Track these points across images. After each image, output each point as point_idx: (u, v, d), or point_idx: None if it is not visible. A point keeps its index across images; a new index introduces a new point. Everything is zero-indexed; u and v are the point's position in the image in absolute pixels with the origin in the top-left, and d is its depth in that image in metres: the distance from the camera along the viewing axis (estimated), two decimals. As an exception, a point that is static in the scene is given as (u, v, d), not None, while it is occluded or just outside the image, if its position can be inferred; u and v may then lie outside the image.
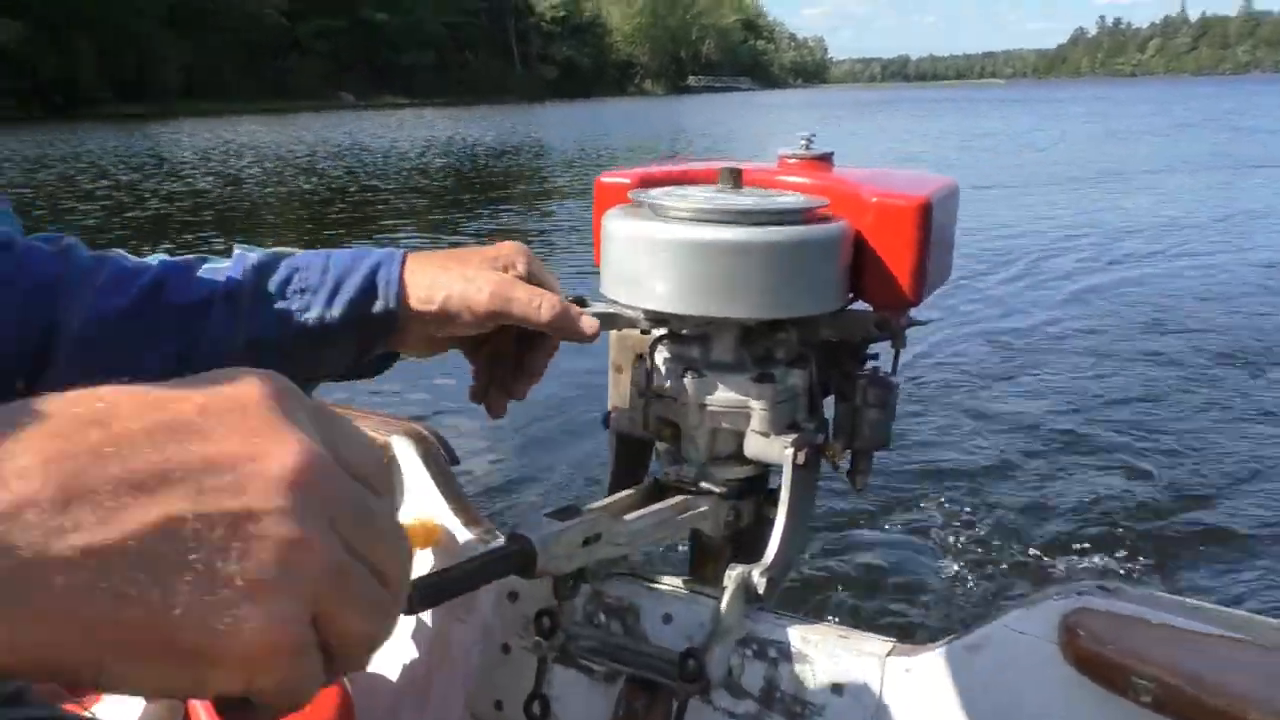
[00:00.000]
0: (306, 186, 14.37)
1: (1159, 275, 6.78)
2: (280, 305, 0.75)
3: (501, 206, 11.28)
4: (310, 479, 0.31)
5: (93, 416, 0.30)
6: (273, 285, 0.76)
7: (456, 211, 11.18)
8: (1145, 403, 4.09)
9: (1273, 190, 11.25)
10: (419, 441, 1.20)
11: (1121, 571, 2.69)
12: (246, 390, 0.33)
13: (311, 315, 0.76)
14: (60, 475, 0.28)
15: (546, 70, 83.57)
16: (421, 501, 1.17)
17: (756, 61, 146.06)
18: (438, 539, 1.11)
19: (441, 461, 1.20)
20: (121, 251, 0.77)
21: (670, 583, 0.97)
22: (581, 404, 3.52)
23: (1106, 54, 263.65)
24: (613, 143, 22.44)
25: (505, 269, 0.80)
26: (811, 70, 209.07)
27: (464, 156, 19.15)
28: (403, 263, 0.79)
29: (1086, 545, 2.83)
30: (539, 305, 0.77)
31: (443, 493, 1.16)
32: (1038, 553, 2.76)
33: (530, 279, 0.81)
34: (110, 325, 0.71)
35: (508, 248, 0.82)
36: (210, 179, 15.64)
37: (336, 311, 0.76)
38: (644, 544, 0.92)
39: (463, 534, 1.12)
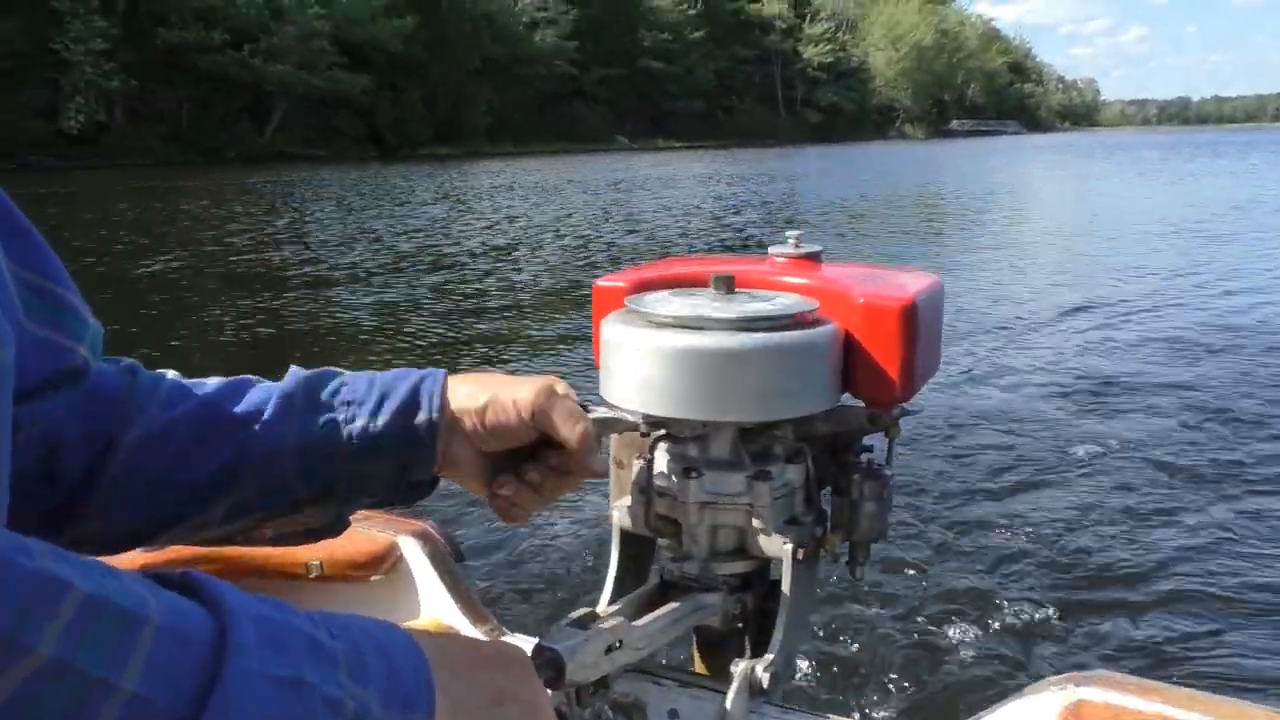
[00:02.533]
0: (589, 217, 15.05)
1: None
2: (328, 415, 0.75)
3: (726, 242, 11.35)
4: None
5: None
6: (323, 395, 0.76)
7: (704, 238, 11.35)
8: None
9: None
10: (426, 541, 1.20)
11: (1122, 654, 2.54)
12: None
13: (357, 426, 0.75)
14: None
15: (810, 115, 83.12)
16: (430, 601, 1.16)
17: (1023, 104, 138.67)
18: None
19: (448, 560, 1.20)
20: (176, 372, 0.79)
21: (675, 677, 0.95)
22: (583, 499, 3.43)
23: None
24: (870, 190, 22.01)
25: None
26: (1081, 113, 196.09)
27: (724, 197, 19.37)
28: (445, 379, 0.79)
29: (1087, 624, 2.69)
30: (576, 421, 0.77)
31: (450, 592, 1.16)
32: (1038, 634, 2.63)
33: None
34: (165, 435, 0.72)
35: (547, 377, 0.81)
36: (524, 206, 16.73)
37: (381, 422, 0.75)
38: (659, 645, 0.91)
39: (471, 633, 1.12)
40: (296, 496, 0.75)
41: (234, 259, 11.65)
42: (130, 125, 40.85)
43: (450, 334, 7.27)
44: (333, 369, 0.80)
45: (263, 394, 0.76)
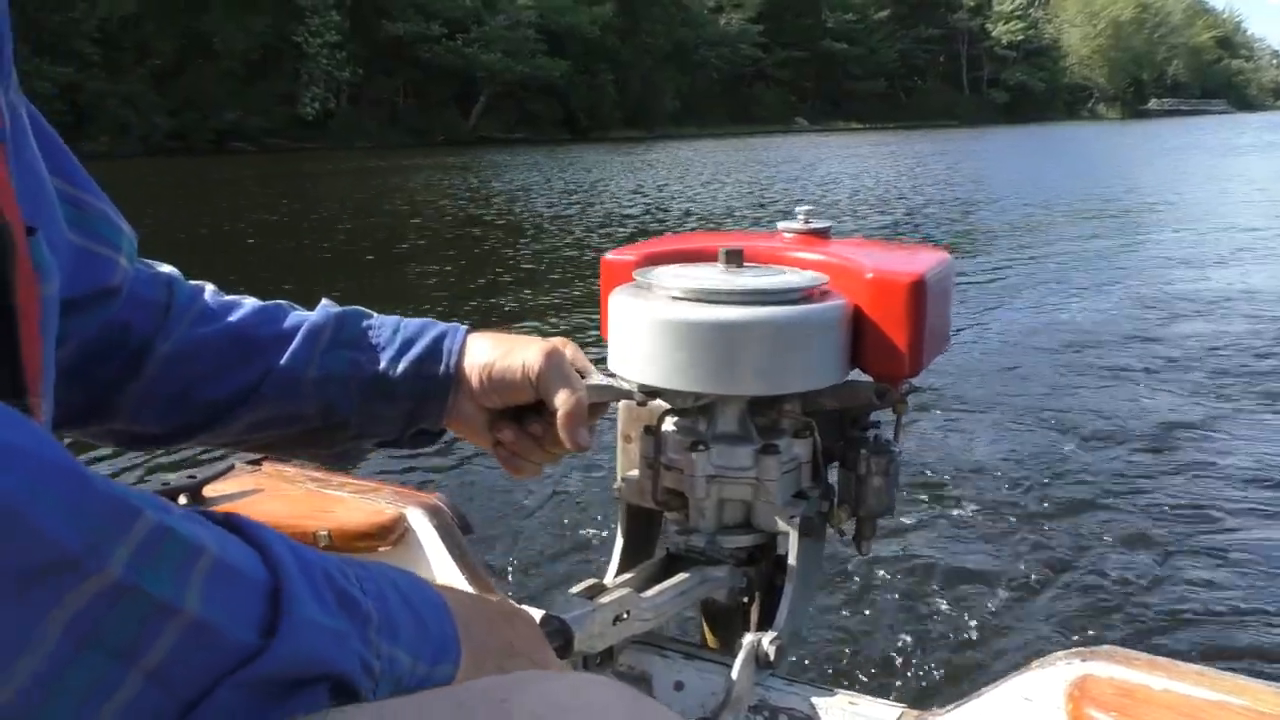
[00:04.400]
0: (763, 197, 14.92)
1: None
2: (352, 353, 0.76)
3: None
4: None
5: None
6: (348, 334, 0.77)
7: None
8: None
9: None
10: (434, 513, 1.17)
11: (1130, 629, 2.41)
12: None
13: (378, 368, 0.76)
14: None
15: (996, 95, 78.64)
16: (437, 573, 1.13)
17: (1230, 82, 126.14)
18: None
19: (456, 533, 1.16)
20: (214, 287, 0.79)
21: (681, 649, 0.94)
22: (592, 472, 3.33)
23: None
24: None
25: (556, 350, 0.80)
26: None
27: (903, 181, 18.67)
28: (465, 336, 0.79)
29: (1095, 599, 2.55)
30: (571, 392, 0.77)
31: (458, 564, 1.12)
32: (1045, 609, 2.50)
33: (574, 365, 0.81)
34: (196, 352, 0.73)
35: (559, 339, 0.82)
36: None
37: (400, 368, 0.76)
38: (666, 617, 0.90)
39: None
40: (311, 425, 0.77)
41: (438, 226, 12.31)
42: (353, 111, 43.35)
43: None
44: (362, 309, 0.81)
45: (293, 323, 0.77)
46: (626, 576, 0.93)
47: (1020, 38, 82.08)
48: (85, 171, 0.63)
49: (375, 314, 0.81)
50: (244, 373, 0.74)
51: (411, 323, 0.80)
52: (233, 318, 0.75)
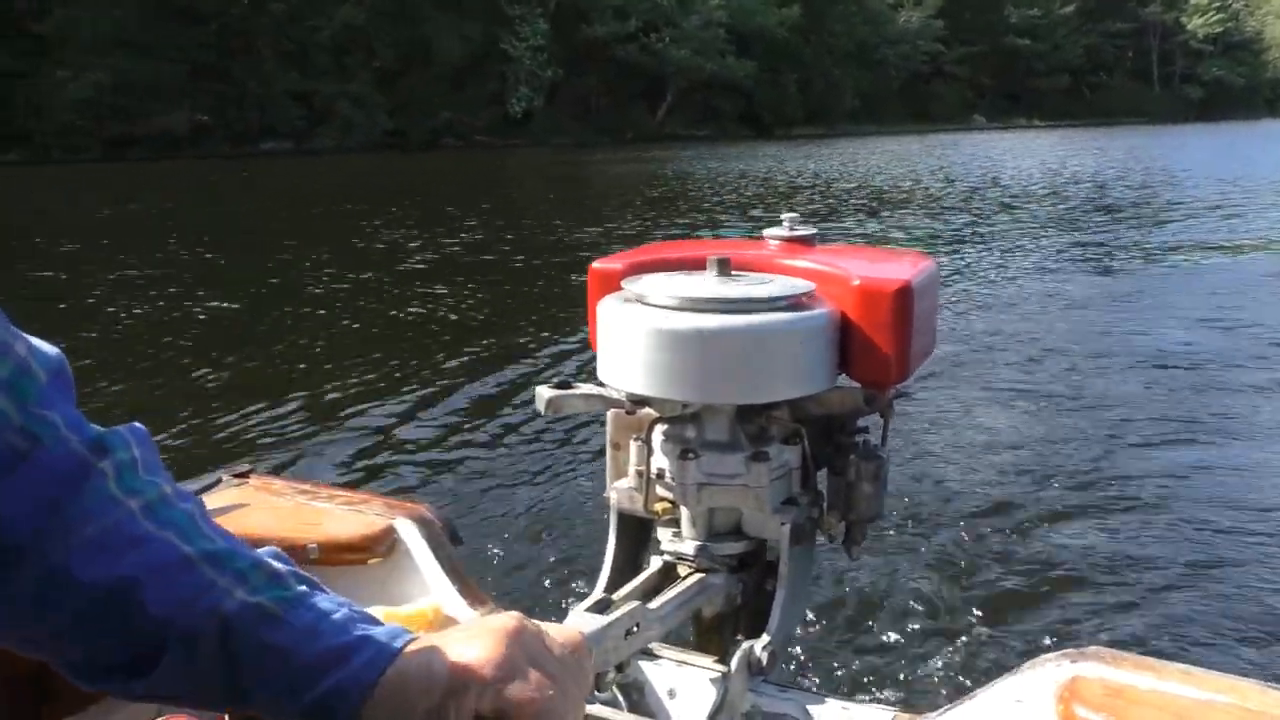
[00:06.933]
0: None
1: None
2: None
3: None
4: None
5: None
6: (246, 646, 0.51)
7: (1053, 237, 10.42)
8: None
9: None
10: (424, 524, 1.12)
11: (1118, 630, 2.27)
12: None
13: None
14: None
15: (1190, 91, 71.49)
16: (427, 584, 1.08)
17: None
18: (442, 623, 0.99)
19: (445, 543, 1.11)
20: (144, 502, 0.52)
21: (674, 656, 0.91)
22: (582, 480, 3.16)
23: None
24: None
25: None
26: None
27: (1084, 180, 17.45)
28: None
29: (1084, 601, 2.44)
30: None
31: (448, 574, 1.07)
32: (1035, 611, 2.39)
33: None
34: (68, 588, 0.49)
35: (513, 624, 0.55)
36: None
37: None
38: (671, 627, 0.87)
39: (468, 615, 1.03)
40: None
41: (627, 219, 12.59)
42: (551, 110, 44.51)
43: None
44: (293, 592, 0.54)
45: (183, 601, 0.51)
46: (631, 588, 0.89)
47: (1219, 30, 74.19)
48: None
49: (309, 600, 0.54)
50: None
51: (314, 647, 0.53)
52: (115, 572, 0.50)
